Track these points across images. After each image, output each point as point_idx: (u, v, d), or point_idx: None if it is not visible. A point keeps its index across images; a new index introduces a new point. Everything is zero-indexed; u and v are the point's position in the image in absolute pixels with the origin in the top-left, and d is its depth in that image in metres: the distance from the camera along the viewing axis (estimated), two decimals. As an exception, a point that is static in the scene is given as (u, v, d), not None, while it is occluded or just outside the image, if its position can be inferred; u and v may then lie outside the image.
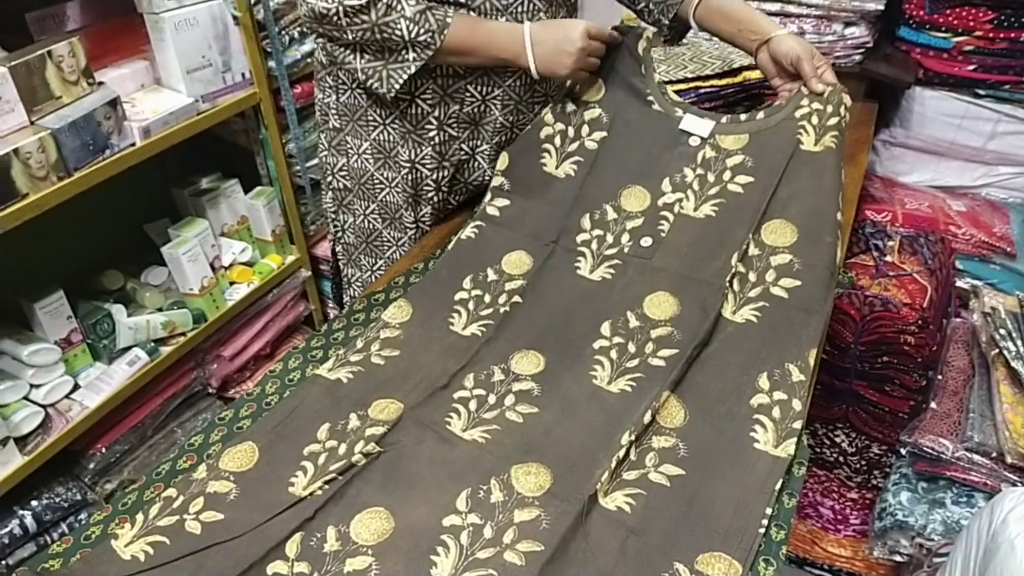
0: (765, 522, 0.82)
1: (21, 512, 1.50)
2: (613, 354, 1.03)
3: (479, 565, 0.77)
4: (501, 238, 1.24)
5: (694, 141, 1.22)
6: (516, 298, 1.13)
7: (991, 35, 1.73)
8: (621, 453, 0.88)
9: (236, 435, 0.96)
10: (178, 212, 1.88)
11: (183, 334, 1.73)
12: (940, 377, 1.55)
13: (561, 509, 0.82)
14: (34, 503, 1.53)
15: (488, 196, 1.28)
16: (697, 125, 1.23)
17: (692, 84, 1.54)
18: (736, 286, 1.07)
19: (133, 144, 1.49)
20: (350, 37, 1.12)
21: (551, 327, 1.09)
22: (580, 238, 1.19)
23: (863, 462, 1.60)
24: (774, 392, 0.95)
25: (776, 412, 0.93)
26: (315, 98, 1.36)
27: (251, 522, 0.81)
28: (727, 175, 1.17)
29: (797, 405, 0.93)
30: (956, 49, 1.77)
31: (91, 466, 1.60)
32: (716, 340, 1.03)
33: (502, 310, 1.11)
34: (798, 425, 0.91)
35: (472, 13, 1.17)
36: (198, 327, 1.74)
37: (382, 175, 1.34)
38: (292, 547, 0.78)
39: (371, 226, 1.41)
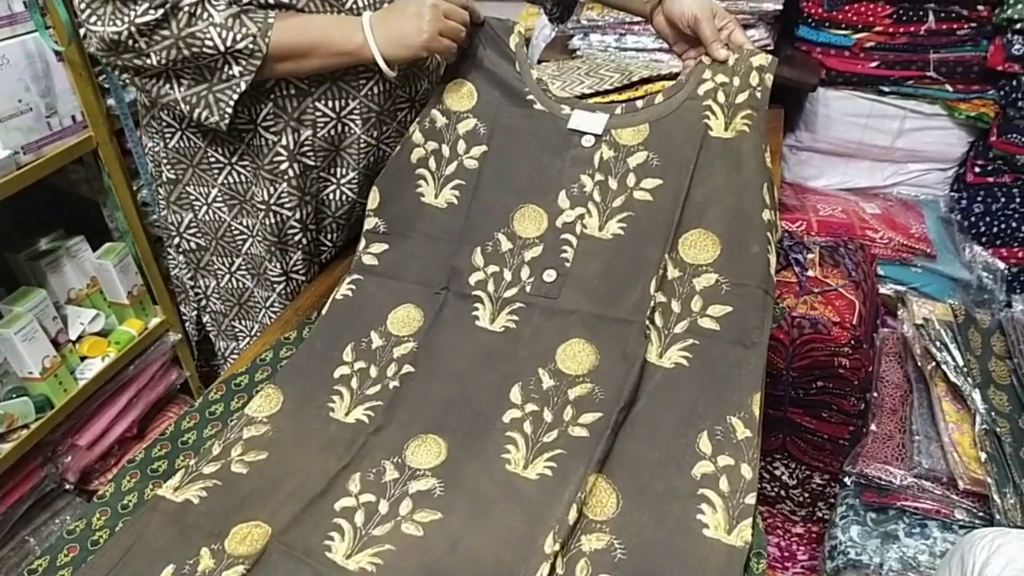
0: None
1: None
2: (527, 427, 0.86)
3: None
4: (384, 292, 1.05)
5: (588, 141, 1.04)
6: (407, 367, 0.94)
7: (891, 30, 1.67)
8: (545, 570, 0.71)
9: (90, 552, 0.74)
10: (16, 280, 1.61)
11: (25, 426, 1.46)
12: (876, 395, 1.45)
13: None
14: None
15: (362, 243, 1.09)
16: (588, 121, 1.05)
17: (591, 101, 1.39)
18: (659, 321, 0.92)
19: (-67, 211, 1.23)
20: (154, 61, 0.92)
21: (452, 401, 0.91)
22: (474, 279, 1.01)
23: (806, 494, 1.49)
24: (718, 456, 0.80)
25: (724, 484, 0.78)
26: (144, 147, 1.14)
27: None
28: (631, 180, 1.00)
29: (747, 472, 0.79)
30: (857, 46, 1.70)
31: (-85, 602, 1.32)
32: (644, 394, 0.87)
33: (392, 384, 0.93)
34: (751, 500, 0.77)
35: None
36: (43, 416, 1.48)
37: (241, 223, 1.13)
38: None
39: (240, 285, 1.20)
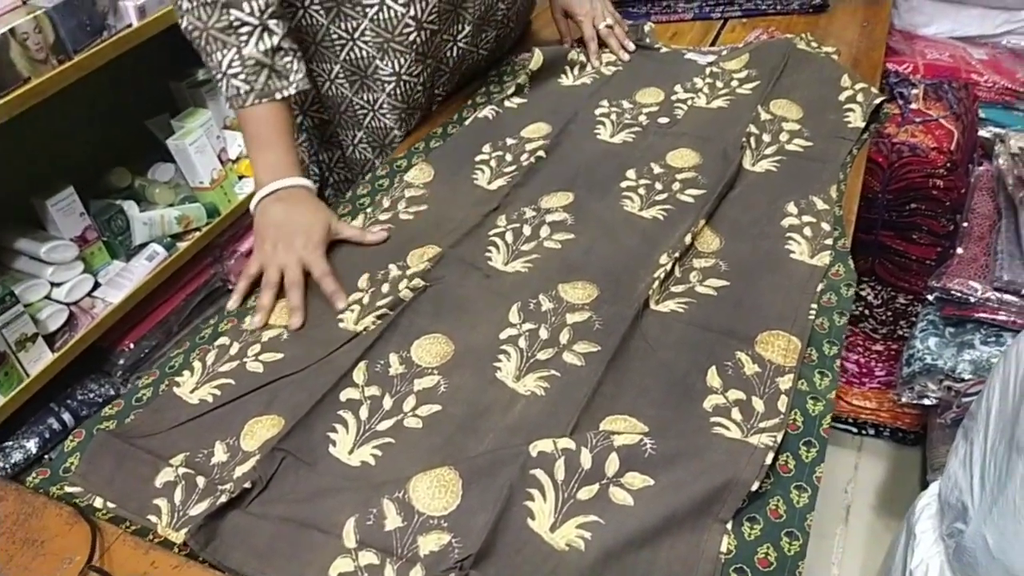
0: (813, 313, 0.83)
1: (57, 408, 1.52)
2: (641, 191, 1.05)
3: (540, 366, 0.78)
4: (519, 117, 1.25)
5: (701, 61, 1.34)
6: (540, 153, 1.12)
7: None
8: (667, 267, 0.88)
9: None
10: (177, 107, 1.83)
11: (198, 229, 1.71)
12: (966, 224, 1.53)
13: (612, 311, 0.84)
14: (69, 400, 1.54)
15: (510, 90, 1.29)
16: (701, 57, 1.35)
17: None
18: (753, 144, 1.11)
19: (130, 25, 1.43)
20: None
21: (577, 173, 1.09)
22: (599, 112, 1.23)
23: (889, 313, 1.61)
24: (803, 216, 0.99)
25: (808, 231, 0.96)
26: None
27: (314, 356, 0.81)
28: (734, 83, 1.25)
29: (826, 226, 0.96)
30: None
31: (121, 362, 1.61)
32: (740, 184, 1.06)
33: (526, 163, 1.11)
34: (830, 242, 0.93)
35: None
36: (212, 221, 1.72)
37: (363, 99, 1.20)
38: (359, 374, 0.79)
39: (363, 157, 1.30)
